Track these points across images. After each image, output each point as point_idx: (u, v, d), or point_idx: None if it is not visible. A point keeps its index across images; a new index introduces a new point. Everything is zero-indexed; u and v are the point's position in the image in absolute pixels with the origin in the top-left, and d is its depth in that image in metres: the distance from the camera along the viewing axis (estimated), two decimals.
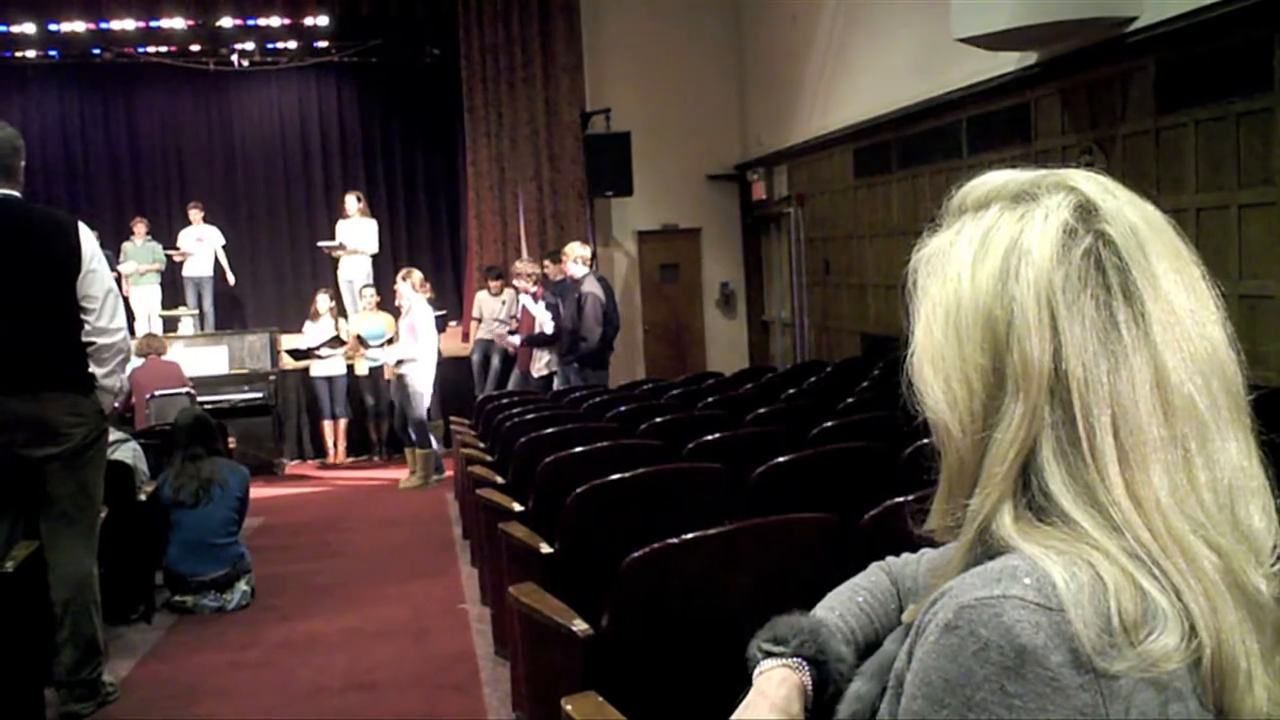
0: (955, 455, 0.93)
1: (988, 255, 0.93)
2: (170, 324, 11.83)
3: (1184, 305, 0.89)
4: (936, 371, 0.94)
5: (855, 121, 9.98)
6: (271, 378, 10.52)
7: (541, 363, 9.20)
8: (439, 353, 9.50)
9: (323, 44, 13.26)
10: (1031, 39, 6.85)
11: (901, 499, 2.65)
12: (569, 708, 2.27)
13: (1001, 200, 0.96)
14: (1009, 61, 7.48)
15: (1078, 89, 7.13)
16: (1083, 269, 0.89)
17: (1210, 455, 0.87)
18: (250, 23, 12.39)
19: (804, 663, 1.23)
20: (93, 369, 4.21)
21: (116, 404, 4.53)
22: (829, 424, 4.69)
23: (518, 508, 4.34)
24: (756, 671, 1.26)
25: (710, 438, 4.48)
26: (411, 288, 8.95)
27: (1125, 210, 0.92)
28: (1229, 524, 0.87)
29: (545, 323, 9.10)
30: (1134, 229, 0.91)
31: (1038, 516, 0.88)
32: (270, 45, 13.22)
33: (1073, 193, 0.93)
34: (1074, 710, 0.80)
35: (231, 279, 12.58)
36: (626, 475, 3.58)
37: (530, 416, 6.12)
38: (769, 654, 1.25)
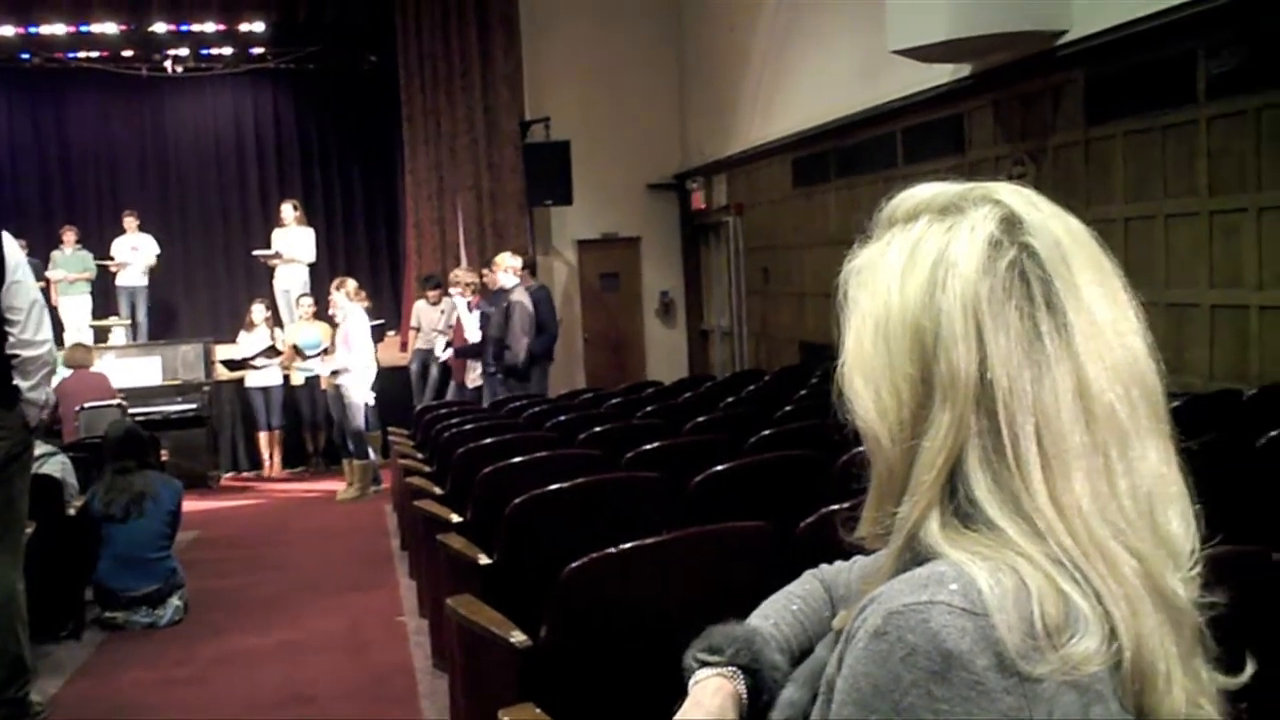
0: (884, 463, 0.95)
1: (916, 267, 0.94)
2: (101, 334, 11.60)
3: (1105, 316, 0.91)
4: (866, 381, 0.95)
5: (793, 132, 10.07)
6: (205, 389, 10.36)
7: (475, 373, 9.15)
8: (377, 363, 9.42)
9: (259, 50, 13.13)
10: (965, 51, 6.96)
11: (838, 506, 2.66)
12: (506, 719, 2.25)
13: (930, 213, 0.97)
14: (943, 73, 7.59)
15: (1010, 101, 7.25)
16: (1007, 280, 0.90)
17: (1130, 462, 0.89)
18: (184, 28, 12.23)
19: (739, 671, 1.23)
20: (17, 381, 4.11)
21: (43, 416, 4.43)
22: (767, 432, 4.71)
23: (456, 519, 4.31)
24: (692, 681, 1.26)
25: (649, 447, 4.48)
26: (346, 297, 8.86)
27: (1049, 223, 0.93)
28: (1148, 529, 0.89)
29: (471, 333, 9.07)
30: (1057, 242, 0.92)
31: (964, 523, 0.89)
32: (205, 51, 13.06)
33: (998, 206, 0.94)
34: (999, 713, 0.81)
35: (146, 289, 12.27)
36: (565, 485, 3.56)
37: (469, 427, 6.08)
38: (704, 663, 1.25)
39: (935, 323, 0.91)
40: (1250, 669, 0.94)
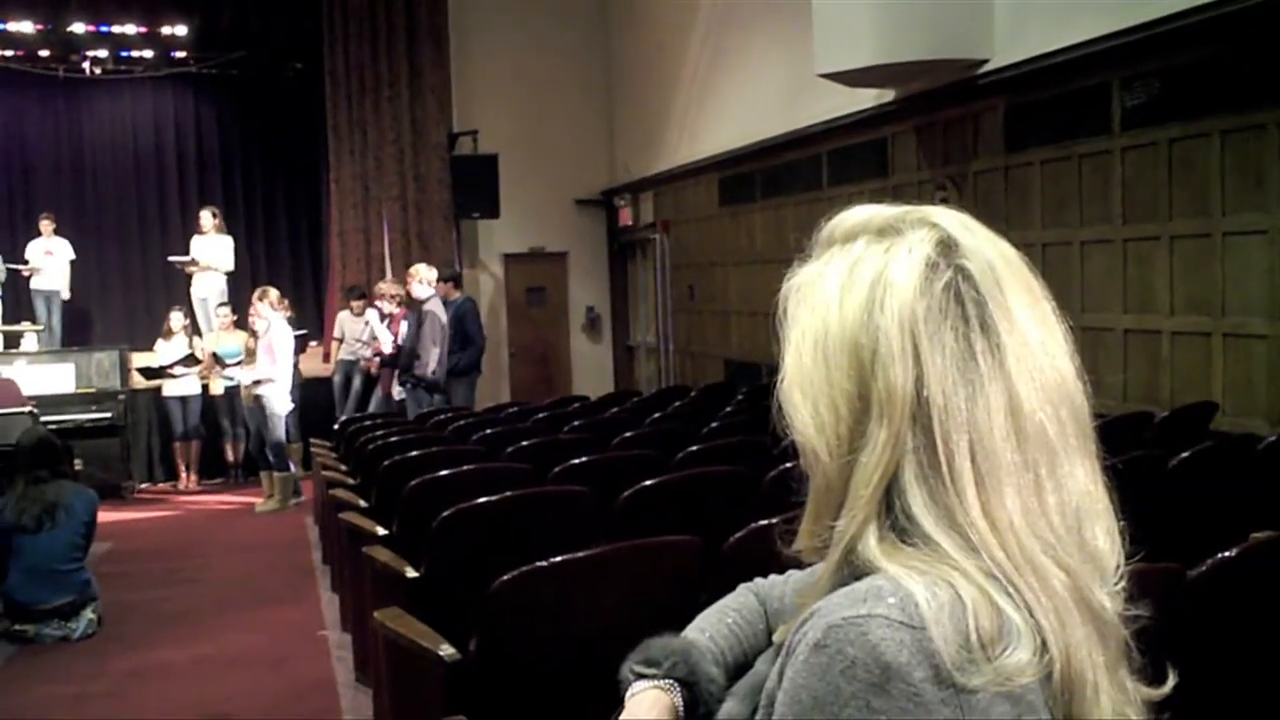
0: (823, 478, 0.96)
1: (854, 286, 0.96)
2: (12, 340, 11.27)
3: (1036, 337, 0.94)
4: (805, 396, 0.97)
5: (720, 151, 10.17)
6: (121, 397, 10.12)
7: (399, 385, 9.08)
8: (299, 373, 9.29)
9: (181, 54, 12.90)
10: (889, 77, 7.11)
11: (766, 521, 2.71)
12: None
13: (867, 233, 0.99)
14: (868, 98, 7.74)
15: (933, 126, 7.41)
16: (943, 301, 0.92)
17: (1059, 480, 0.92)
18: (104, 29, 11.99)
19: (675, 684, 1.24)
20: None
21: None
22: (694, 448, 4.75)
23: (382, 531, 4.28)
24: (629, 694, 1.27)
25: (577, 461, 4.50)
26: (269, 306, 8.74)
27: (983, 247, 0.97)
28: (1076, 545, 0.92)
29: (385, 343, 9.03)
30: (991, 265, 0.95)
31: (901, 538, 0.91)
32: (125, 53, 12.79)
33: (934, 229, 0.96)
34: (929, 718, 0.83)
35: (66, 295, 11.97)
36: (494, 499, 3.56)
37: (394, 439, 6.04)
38: (641, 675, 1.26)
39: (873, 340, 0.93)
40: (1171, 681, 0.97)
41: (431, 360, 8.42)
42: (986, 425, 0.90)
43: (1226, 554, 2.26)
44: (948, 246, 0.95)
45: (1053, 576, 0.90)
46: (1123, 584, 0.95)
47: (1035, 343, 0.94)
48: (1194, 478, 3.63)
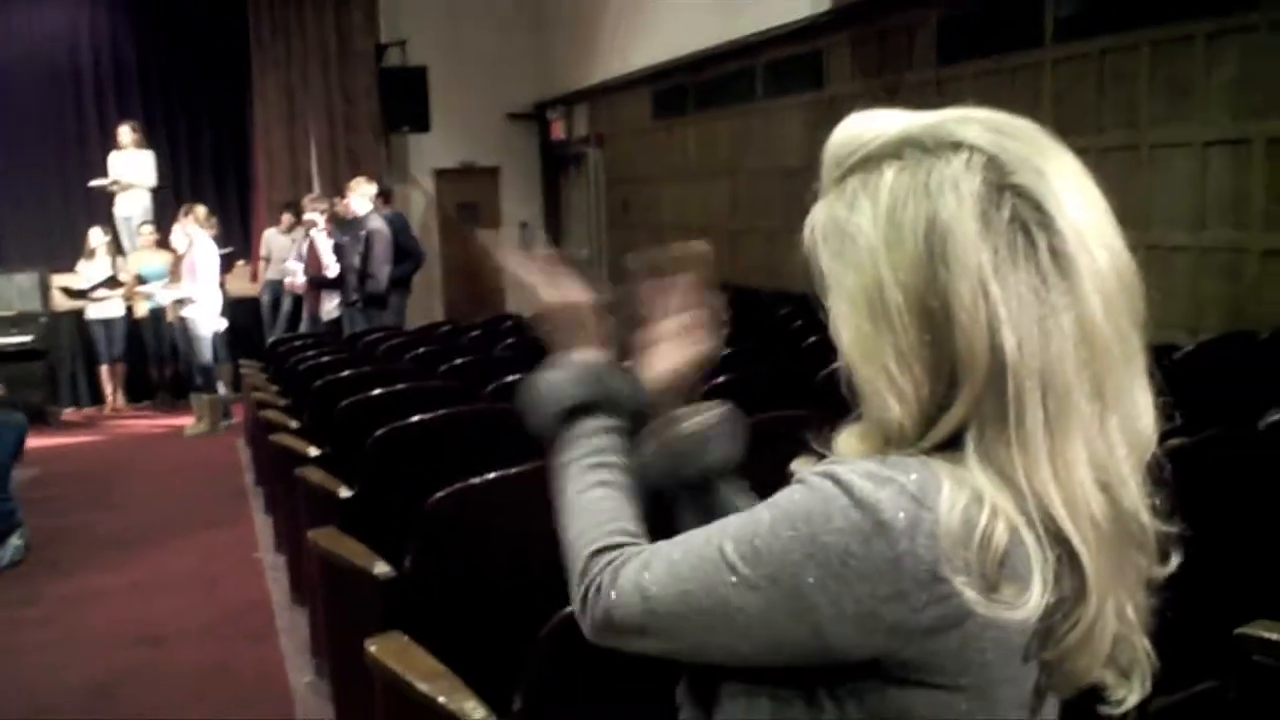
0: (896, 427, 0.91)
1: (903, 237, 0.88)
2: None
3: (1093, 227, 0.89)
4: (876, 368, 0.91)
5: (653, 63, 10.05)
6: (42, 319, 9.87)
7: (331, 304, 8.92)
8: (225, 293, 9.11)
9: None
10: None
11: None
12: (373, 648, 2.26)
13: (890, 158, 0.92)
14: (803, 7, 7.67)
15: (868, 38, 7.38)
16: (1010, 236, 0.86)
17: (1120, 393, 0.89)
18: None
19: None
20: None
21: None
22: (627, 363, 4.75)
23: (315, 452, 4.24)
24: None
25: (510, 379, 4.48)
26: (195, 224, 8.53)
27: (1020, 148, 0.90)
28: (1129, 451, 0.90)
29: (330, 265, 8.83)
30: (1038, 169, 0.89)
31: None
32: None
33: (973, 151, 0.89)
34: (897, 595, 0.84)
35: None
36: (427, 417, 3.54)
37: (325, 359, 5.97)
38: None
39: (944, 300, 0.86)
40: (1176, 560, 0.96)
41: (384, 278, 8.29)
42: (1059, 359, 0.86)
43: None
44: (994, 168, 0.88)
45: (1104, 518, 0.88)
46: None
47: (1093, 236, 0.88)
48: None
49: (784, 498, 0.91)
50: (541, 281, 1.25)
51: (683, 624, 0.94)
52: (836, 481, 0.88)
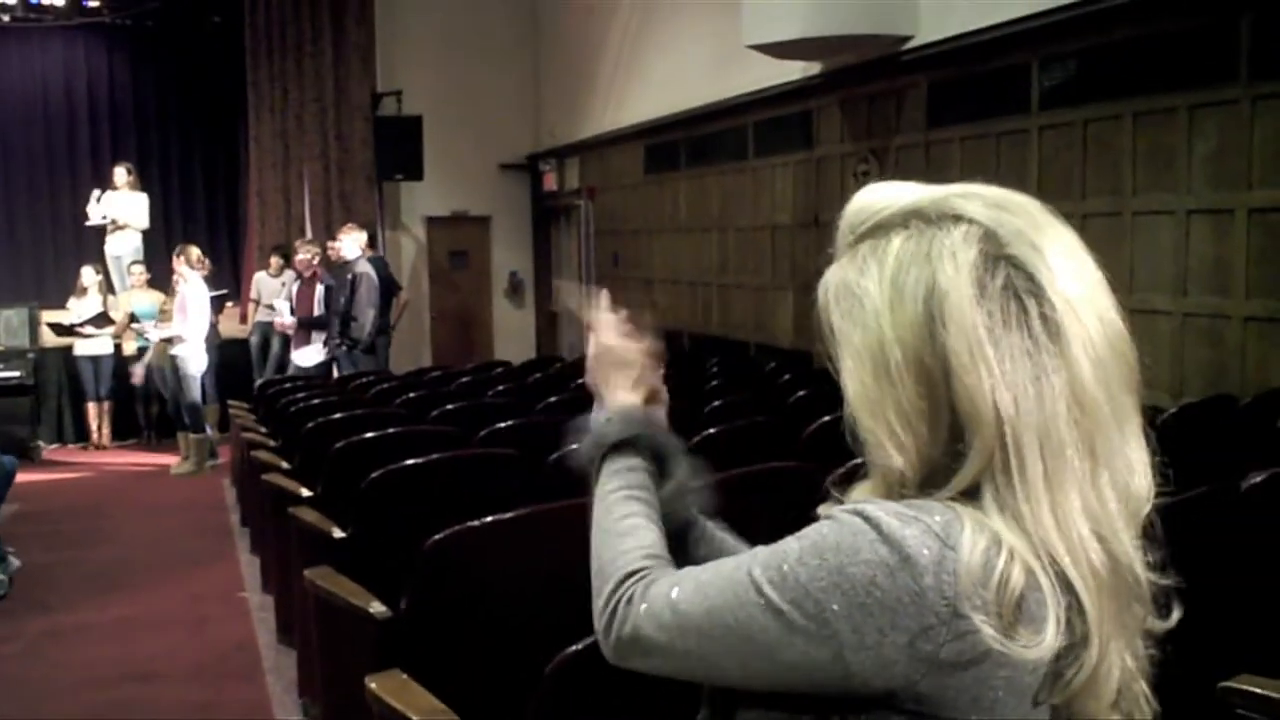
0: (898, 478, 0.98)
1: (904, 299, 0.96)
2: None
3: (1084, 297, 0.95)
4: (876, 420, 0.98)
5: (647, 119, 10.19)
6: (30, 355, 9.89)
7: (311, 350, 8.97)
8: (217, 334, 9.15)
9: (93, 3, 12.50)
10: (816, 50, 7.20)
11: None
12: (373, 685, 2.29)
13: (897, 228, 0.99)
14: (795, 70, 7.82)
15: (857, 101, 7.52)
16: (1003, 301, 0.93)
17: (1112, 450, 0.96)
18: None
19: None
20: None
21: None
22: None
23: (306, 493, 4.27)
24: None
25: (503, 425, 4.52)
26: (188, 264, 8.59)
27: (1016, 223, 0.97)
28: (1122, 505, 0.97)
29: (284, 314, 8.99)
30: (1032, 242, 0.95)
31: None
32: (34, 1, 12.36)
33: (971, 225, 0.96)
34: (920, 627, 0.89)
35: None
36: (423, 460, 3.59)
37: (317, 401, 6.01)
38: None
39: (942, 359, 0.93)
40: (1177, 614, 1.02)
41: (368, 322, 8.36)
42: (1053, 417, 0.92)
43: None
44: (989, 239, 0.95)
45: (1101, 567, 0.94)
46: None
47: (1084, 306, 0.95)
48: None
49: (813, 530, 0.97)
50: (605, 325, 1.36)
51: (706, 641, 0.99)
52: (865, 518, 0.93)
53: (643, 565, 1.11)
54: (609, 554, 1.14)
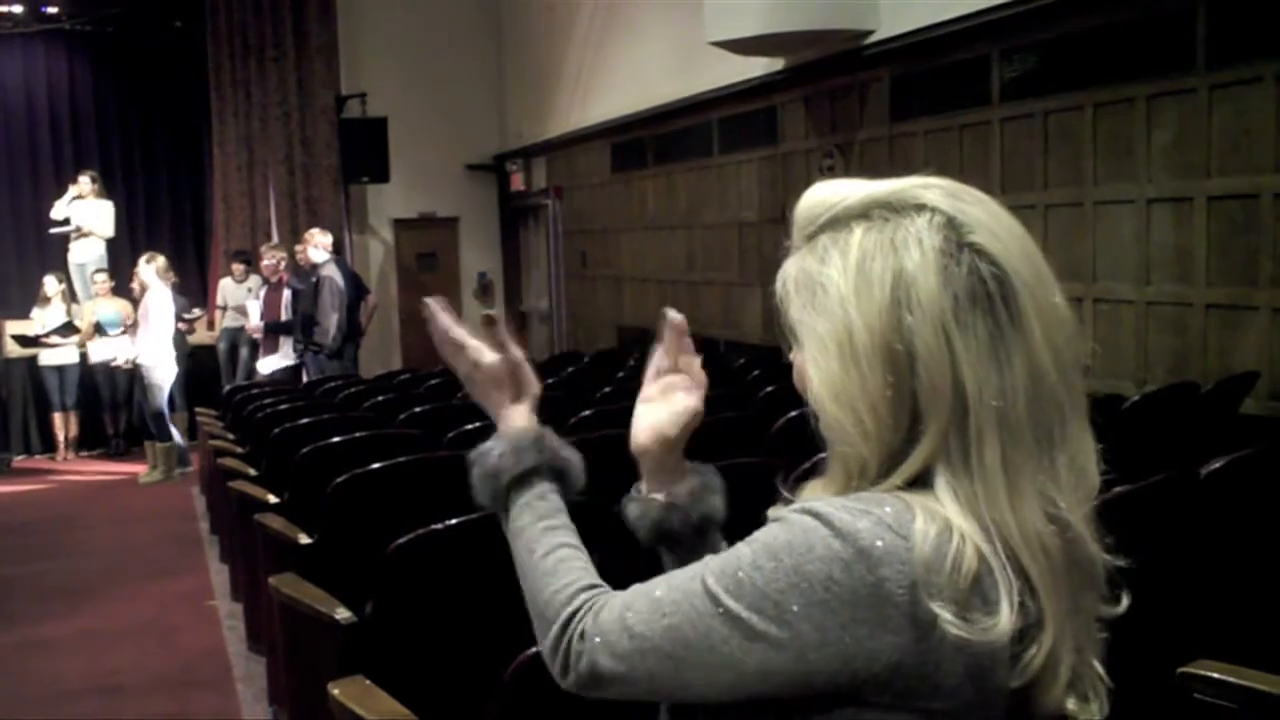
0: (858, 463, 0.98)
1: (870, 286, 0.96)
2: None
3: (1040, 286, 0.97)
4: (842, 406, 0.97)
5: (612, 117, 10.18)
6: None
7: (277, 356, 8.93)
8: (185, 342, 9.07)
9: (52, 9, 12.37)
10: (778, 46, 7.21)
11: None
12: (336, 692, 2.28)
13: (858, 219, 1.00)
14: (758, 66, 7.83)
15: (820, 96, 7.54)
16: (969, 285, 0.94)
17: (1067, 435, 0.97)
18: None
19: None
20: None
21: None
22: (588, 413, 4.80)
23: (273, 499, 4.25)
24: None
25: (471, 427, 4.49)
26: (154, 273, 8.51)
27: (977, 212, 0.98)
28: (1076, 487, 0.97)
29: (253, 316, 8.96)
30: (993, 231, 0.97)
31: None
32: None
33: (934, 212, 0.97)
34: (878, 619, 0.89)
35: None
36: (388, 464, 3.57)
37: (284, 407, 5.97)
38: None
39: (908, 343, 0.94)
40: (1125, 602, 1.03)
41: (332, 326, 8.31)
42: (1013, 401, 0.94)
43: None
44: (953, 227, 0.96)
45: (1055, 549, 0.94)
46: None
47: (1040, 291, 0.97)
48: None
49: (764, 534, 0.96)
50: (465, 348, 1.30)
51: (667, 661, 0.98)
52: (816, 515, 0.93)
53: (584, 599, 1.09)
54: (546, 594, 1.12)
